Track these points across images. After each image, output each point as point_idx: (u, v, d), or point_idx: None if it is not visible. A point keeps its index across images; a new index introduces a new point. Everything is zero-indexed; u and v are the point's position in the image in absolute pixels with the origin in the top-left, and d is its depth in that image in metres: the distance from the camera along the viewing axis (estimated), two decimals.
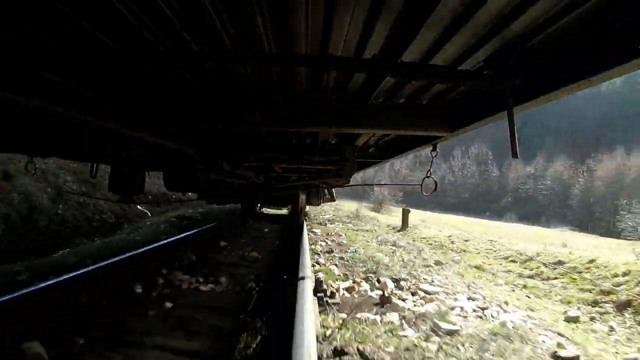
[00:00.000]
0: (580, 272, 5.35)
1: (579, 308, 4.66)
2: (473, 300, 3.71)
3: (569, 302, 4.87)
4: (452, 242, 8.81)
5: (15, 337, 1.91)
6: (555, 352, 2.59)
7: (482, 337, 2.51)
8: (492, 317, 3.22)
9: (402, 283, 3.75)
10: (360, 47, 1.73)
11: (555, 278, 5.43)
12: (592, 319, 4.35)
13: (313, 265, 3.92)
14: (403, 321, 2.63)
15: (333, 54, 1.79)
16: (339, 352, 1.94)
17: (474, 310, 3.30)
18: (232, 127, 2.75)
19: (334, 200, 10.02)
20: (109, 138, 2.69)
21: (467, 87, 2.13)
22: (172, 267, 3.64)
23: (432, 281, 4.21)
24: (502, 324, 2.94)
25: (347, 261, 4.59)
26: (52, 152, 2.74)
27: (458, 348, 2.31)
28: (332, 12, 1.42)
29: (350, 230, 8.31)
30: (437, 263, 6.24)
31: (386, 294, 3.17)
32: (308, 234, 5.46)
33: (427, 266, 5.55)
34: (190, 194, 5.56)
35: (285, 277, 3.47)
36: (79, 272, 3.04)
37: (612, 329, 4.13)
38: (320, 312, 2.52)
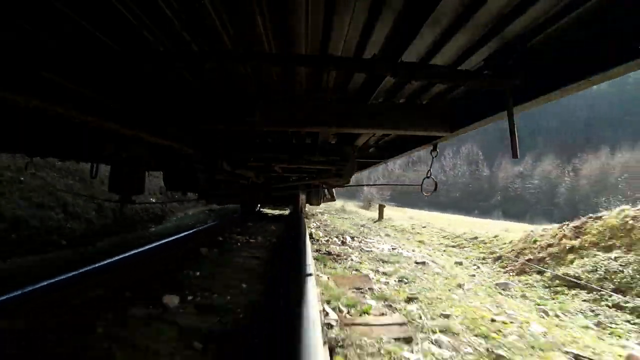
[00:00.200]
0: (485, 243, 7.83)
1: (466, 259, 6.93)
2: (393, 248, 6.08)
3: (466, 258, 7.08)
4: (413, 228, 11.07)
5: (164, 262, 3.42)
6: (416, 260, 4.94)
7: (384, 254, 5.03)
8: (397, 252, 5.52)
9: (355, 239, 6.51)
10: (360, 47, 1.73)
11: (467, 247, 7.98)
12: (471, 263, 6.66)
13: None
14: (350, 249, 5.20)
15: (333, 54, 1.79)
16: (319, 251, 4.76)
17: (389, 250, 5.73)
18: (232, 127, 2.75)
19: (334, 200, 10.06)
20: (109, 138, 2.69)
21: (467, 87, 2.14)
22: (230, 232, 5.96)
23: (374, 240, 6.76)
24: (399, 253, 5.38)
25: (328, 231, 7.32)
26: (52, 152, 2.74)
27: (370, 257, 4.68)
28: (332, 12, 1.42)
29: (335, 218, 10.96)
30: (386, 235, 8.85)
31: (345, 241, 6.01)
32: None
33: (377, 235, 8.24)
34: (190, 194, 5.56)
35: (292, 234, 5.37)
36: (177, 236, 4.81)
37: (478, 267, 6.26)
38: (312, 244, 5.10)
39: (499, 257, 6.45)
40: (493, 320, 2.66)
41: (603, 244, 4.77)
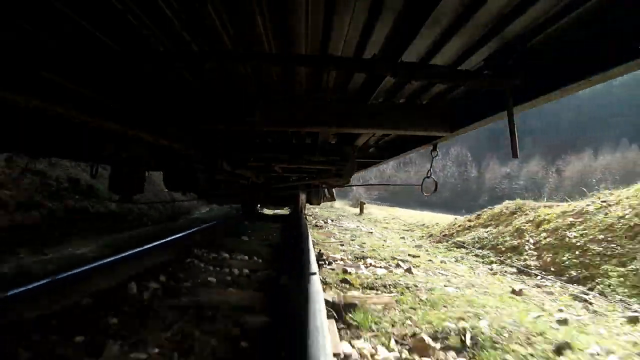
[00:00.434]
0: (428, 227, 9.96)
1: (410, 237, 8.80)
2: (357, 227, 8.31)
3: (410, 236, 9.01)
4: (384, 220, 13.15)
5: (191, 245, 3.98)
6: (367, 231, 7.44)
7: (349, 228, 7.58)
8: (358, 228, 7.93)
9: (334, 221, 9.17)
10: (360, 47, 1.73)
11: (415, 230, 10.10)
12: (410, 238, 8.57)
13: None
14: (329, 226, 7.87)
15: (333, 54, 1.79)
16: (309, 223, 7.10)
17: (354, 227, 8.04)
18: (232, 127, 2.75)
19: (334, 200, 10.13)
20: (109, 138, 2.69)
21: (467, 87, 2.14)
22: (251, 219, 7.63)
23: (346, 223, 9.13)
24: (358, 228, 7.84)
25: (316, 217, 9.92)
26: (52, 152, 2.74)
27: (340, 229, 7.15)
28: (332, 12, 1.42)
29: (323, 211, 13.55)
30: (358, 221, 10.88)
31: (326, 222, 8.57)
32: None
33: (351, 221, 10.42)
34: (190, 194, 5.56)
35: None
36: (216, 222, 6.44)
37: (413, 240, 8.09)
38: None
39: (430, 235, 8.88)
40: (387, 246, 5.35)
41: (485, 224, 7.51)
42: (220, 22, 1.47)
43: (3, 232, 3.98)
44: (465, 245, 6.73)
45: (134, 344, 1.59)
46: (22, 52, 1.42)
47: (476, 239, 6.79)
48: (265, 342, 1.67)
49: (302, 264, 2.55)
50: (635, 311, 3.20)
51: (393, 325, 1.93)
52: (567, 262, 4.47)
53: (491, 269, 5.09)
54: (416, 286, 2.75)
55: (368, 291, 2.57)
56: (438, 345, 1.71)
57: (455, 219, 9.25)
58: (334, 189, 9.05)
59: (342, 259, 3.76)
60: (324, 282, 2.65)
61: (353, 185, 8.10)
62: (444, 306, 2.29)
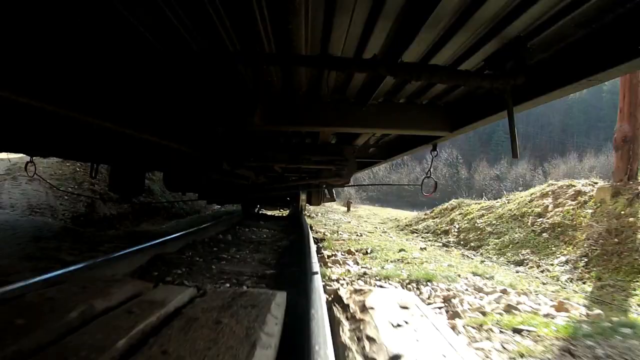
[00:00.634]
0: (398, 220, 11.05)
1: (382, 228, 9.49)
2: (339, 219, 9.91)
3: (382, 228, 9.76)
4: (367, 216, 14.40)
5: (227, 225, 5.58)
6: (346, 221, 9.33)
7: (334, 219, 9.57)
8: (340, 219, 9.87)
9: (323, 215, 10.80)
10: (360, 47, 1.73)
11: (388, 224, 11.08)
12: (381, 228, 9.27)
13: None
14: (318, 217, 9.73)
15: (333, 54, 1.79)
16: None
17: (337, 219, 9.79)
18: (232, 128, 2.75)
19: (334, 201, 10.20)
20: (109, 138, 2.69)
21: (467, 87, 2.14)
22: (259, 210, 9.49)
23: (332, 216, 10.68)
24: (340, 219, 9.87)
25: (309, 212, 10.46)
26: (52, 152, 2.74)
27: (327, 220, 9.09)
28: (332, 12, 1.42)
29: (315, 207, 14.24)
30: (344, 215, 12.34)
31: (317, 216, 10.28)
32: None
33: (338, 215, 12.07)
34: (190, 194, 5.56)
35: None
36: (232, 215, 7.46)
37: (385, 232, 8.33)
38: None
39: (397, 225, 10.29)
40: (356, 228, 7.09)
41: (434, 217, 9.27)
42: (220, 22, 1.47)
43: (116, 216, 6.04)
44: (417, 230, 8.80)
45: (237, 250, 3.50)
46: (22, 51, 1.42)
47: (425, 226, 8.81)
48: (287, 251, 3.69)
49: (303, 231, 4.49)
50: (478, 255, 5.82)
51: (341, 248, 4.04)
52: (471, 238, 6.83)
53: (424, 243, 6.83)
54: (359, 241, 4.80)
55: (334, 240, 4.65)
56: (357, 253, 3.74)
57: (417, 214, 11.19)
58: (334, 190, 9.05)
59: (323, 232, 5.77)
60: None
61: (353, 185, 9.14)
62: (368, 244, 4.31)
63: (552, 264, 4.76)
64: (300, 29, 1.46)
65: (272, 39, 1.62)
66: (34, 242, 3.07)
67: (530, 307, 2.13)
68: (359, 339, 1.22)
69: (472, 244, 6.45)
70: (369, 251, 3.83)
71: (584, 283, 4.05)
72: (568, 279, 4.23)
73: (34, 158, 3.15)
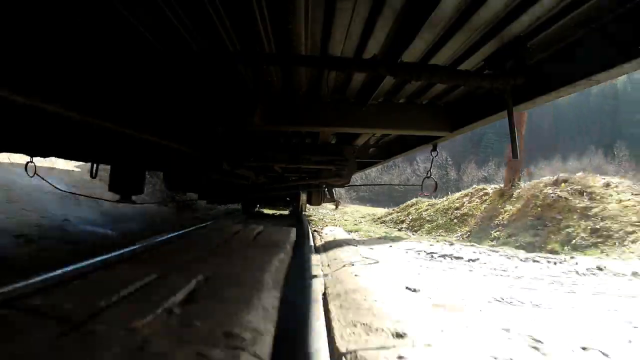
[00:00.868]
0: (375, 215, 12.53)
1: (358, 219, 11.39)
2: (327, 213, 12.18)
3: (358, 219, 11.52)
4: (351, 212, 15.58)
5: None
6: (331, 215, 11.63)
7: (322, 213, 11.97)
8: (328, 213, 12.09)
9: (313, 210, 11.56)
10: (360, 47, 1.73)
11: (367, 217, 12.50)
12: (358, 219, 11.27)
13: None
14: (309, 212, 10.56)
15: (333, 54, 1.79)
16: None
17: (325, 213, 12.34)
18: (232, 128, 2.75)
19: (334, 201, 10.09)
20: (109, 138, 2.69)
21: (467, 87, 2.14)
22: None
23: (322, 211, 12.50)
24: (327, 213, 12.09)
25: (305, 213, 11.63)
26: (52, 152, 2.74)
27: (316, 214, 11.32)
28: (332, 12, 1.42)
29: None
30: (331, 211, 13.34)
31: (308, 210, 9.97)
32: None
33: (326, 211, 13.17)
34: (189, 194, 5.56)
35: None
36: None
37: (360, 222, 10.38)
38: None
39: (373, 219, 11.86)
40: (337, 219, 10.08)
41: (399, 212, 11.40)
42: (220, 22, 1.47)
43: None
44: (384, 221, 10.86)
45: (261, 223, 4.94)
46: (22, 51, 1.42)
47: (390, 218, 10.99)
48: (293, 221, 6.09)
49: (301, 220, 6.47)
50: (416, 234, 8.34)
51: (321, 223, 7.84)
52: (416, 224, 9.60)
53: (385, 227, 9.63)
54: (335, 222, 8.00)
55: (319, 221, 8.19)
56: (329, 225, 7.22)
57: (388, 210, 13.42)
58: (334, 190, 9.05)
59: (312, 219, 7.96)
60: None
61: (353, 185, 9.71)
62: (339, 224, 7.66)
63: (451, 236, 7.84)
64: (300, 29, 1.46)
65: (272, 39, 1.62)
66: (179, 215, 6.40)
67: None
68: (321, 238, 4.58)
69: (415, 228, 9.47)
70: (337, 224, 6.89)
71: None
72: (454, 241, 6.51)
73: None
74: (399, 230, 9.15)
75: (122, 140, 2.71)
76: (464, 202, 9.38)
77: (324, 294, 1.93)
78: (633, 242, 5.56)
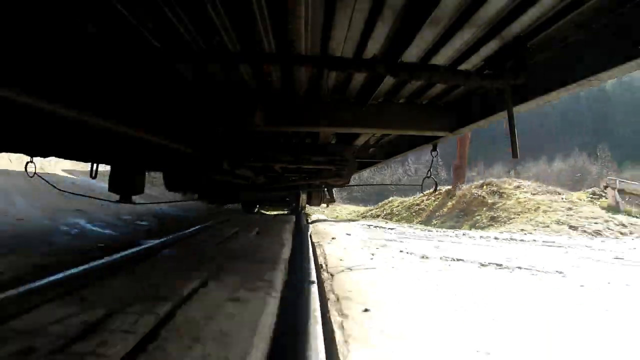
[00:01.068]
0: (360, 212, 15.06)
1: (344, 215, 13.71)
2: (317, 209, 10.08)
3: (345, 215, 13.46)
4: (339, 210, 17.11)
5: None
6: (321, 211, 10.47)
7: (315, 209, 10.26)
8: (319, 210, 10.20)
9: (307, 207, 9.61)
10: (360, 47, 1.73)
11: (352, 214, 14.44)
12: (339, 215, 13.56)
13: None
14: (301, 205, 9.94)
15: (333, 54, 1.79)
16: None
17: (316, 209, 9.95)
18: (232, 128, 2.75)
19: (334, 201, 10.12)
20: (109, 138, 2.69)
21: (467, 87, 2.14)
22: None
23: (313, 208, 10.51)
24: (319, 210, 10.28)
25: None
26: (52, 152, 2.74)
27: (308, 210, 10.03)
28: (332, 12, 1.42)
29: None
30: (321, 209, 14.64)
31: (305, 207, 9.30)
32: None
33: (317, 208, 12.89)
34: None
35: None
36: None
37: (341, 215, 13.51)
38: None
39: (356, 215, 13.71)
40: (326, 214, 10.33)
41: (377, 208, 13.93)
42: (220, 22, 1.47)
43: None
44: (365, 216, 12.97)
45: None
46: (22, 51, 1.42)
47: (370, 214, 13.25)
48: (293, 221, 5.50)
49: (300, 215, 6.90)
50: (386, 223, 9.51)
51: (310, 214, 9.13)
52: (388, 217, 12.13)
53: (363, 220, 10.90)
54: (326, 217, 8.69)
55: (311, 214, 8.87)
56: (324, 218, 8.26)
57: (369, 207, 15.58)
58: (334, 190, 9.05)
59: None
60: None
61: (353, 185, 9.78)
62: (326, 216, 9.03)
63: (408, 225, 9.56)
64: (300, 29, 1.46)
65: (272, 39, 1.62)
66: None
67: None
68: (309, 219, 7.21)
69: (387, 219, 11.71)
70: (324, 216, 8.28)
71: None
72: (408, 227, 8.28)
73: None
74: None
75: (122, 140, 2.71)
76: (423, 200, 12.56)
77: (310, 234, 4.38)
78: (510, 223, 8.76)
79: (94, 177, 3.03)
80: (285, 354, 1.21)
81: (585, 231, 7.63)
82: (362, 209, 17.83)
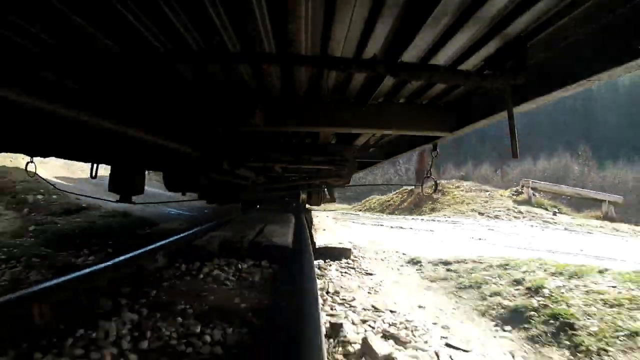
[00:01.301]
0: (348, 209, 15.44)
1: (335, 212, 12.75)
2: (310, 207, 9.25)
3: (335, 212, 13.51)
4: (330, 208, 19.77)
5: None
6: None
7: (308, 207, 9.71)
8: (312, 208, 8.57)
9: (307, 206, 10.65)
10: (360, 47, 1.73)
11: (339, 210, 14.30)
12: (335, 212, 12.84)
13: None
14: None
15: (333, 54, 1.79)
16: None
17: (309, 207, 9.01)
18: (232, 128, 2.75)
19: (334, 201, 10.11)
20: (109, 138, 2.68)
21: (467, 87, 2.14)
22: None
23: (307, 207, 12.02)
24: (312, 208, 8.42)
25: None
26: (52, 152, 2.74)
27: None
28: (332, 12, 1.42)
29: None
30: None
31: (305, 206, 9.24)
32: None
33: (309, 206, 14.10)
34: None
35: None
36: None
37: (332, 211, 11.70)
38: None
39: (343, 211, 13.53)
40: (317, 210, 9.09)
41: (362, 204, 16.42)
42: (220, 22, 1.47)
43: None
44: (350, 211, 13.43)
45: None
46: (22, 51, 1.42)
47: (354, 209, 14.99)
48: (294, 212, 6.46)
49: (299, 209, 7.02)
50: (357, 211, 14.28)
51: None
52: (368, 210, 14.70)
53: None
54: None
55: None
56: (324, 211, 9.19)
57: (355, 204, 17.32)
58: (334, 190, 9.05)
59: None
60: None
61: (353, 185, 9.87)
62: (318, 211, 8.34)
63: (376, 214, 11.92)
64: (300, 28, 1.46)
65: (272, 38, 1.62)
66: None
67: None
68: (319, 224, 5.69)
69: (372, 210, 14.25)
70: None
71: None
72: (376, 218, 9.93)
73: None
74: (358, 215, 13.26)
75: (122, 140, 2.71)
76: (393, 197, 14.88)
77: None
78: (441, 212, 11.67)
79: (94, 177, 3.03)
80: (297, 236, 3.89)
81: (488, 216, 10.26)
82: (349, 207, 19.63)
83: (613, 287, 2.48)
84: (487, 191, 13.12)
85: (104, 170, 3.46)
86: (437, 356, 1.57)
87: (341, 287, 2.43)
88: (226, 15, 1.42)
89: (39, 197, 5.59)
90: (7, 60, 1.38)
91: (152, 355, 1.43)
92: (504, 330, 2.22)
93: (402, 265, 3.66)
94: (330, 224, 5.45)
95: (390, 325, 1.83)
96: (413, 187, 14.52)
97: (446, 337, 1.85)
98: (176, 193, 4.51)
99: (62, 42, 1.54)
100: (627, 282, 2.50)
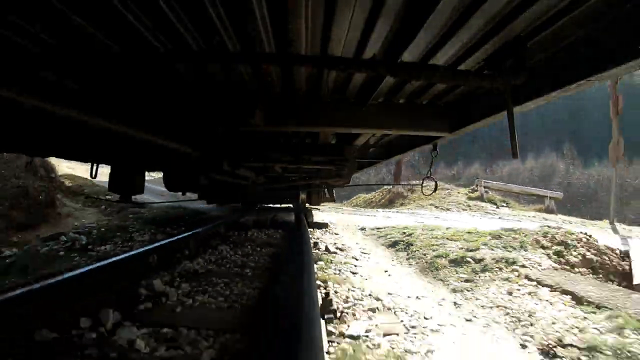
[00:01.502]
0: (336, 206, 15.22)
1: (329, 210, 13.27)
2: (318, 210, 10.49)
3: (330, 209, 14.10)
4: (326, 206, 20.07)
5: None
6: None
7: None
8: (308, 206, 9.50)
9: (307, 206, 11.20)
10: (360, 47, 1.73)
11: (331, 207, 15.00)
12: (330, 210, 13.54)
13: None
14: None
15: (333, 54, 1.79)
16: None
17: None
18: (232, 128, 2.75)
19: (334, 201, 10.14)
20: (109, 138, 2.68)
21: (467, 87, 2.14)
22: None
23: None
24: (308, 206, 9.46)
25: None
26: (52, 152, 2.73)
27: None
28: (332, 12, 1.42)
29: None
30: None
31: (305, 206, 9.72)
32: None
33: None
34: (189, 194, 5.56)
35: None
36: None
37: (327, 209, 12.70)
38: None
39: (336, 209, 14.12)
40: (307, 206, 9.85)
41: (349, 203, 17.48)
42: (220, 22, 1.47)
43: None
44: (341, 209, 13.67)
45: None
46: (22, 51, 1.42)
47: (344, 207, 14.80)
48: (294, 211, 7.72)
49: (299, 208, 7.69)
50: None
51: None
52: (355, 205, 16.16)
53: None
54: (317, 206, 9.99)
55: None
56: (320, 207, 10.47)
57: (344, 202, 18.25)
58: (334, 190, 9.05)
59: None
60: None
61: (353, 185, 10.35)
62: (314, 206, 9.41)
63: (358, 209, 12.77)
64: (300, 28, 1.46)
65: (272, 38, 1.62)
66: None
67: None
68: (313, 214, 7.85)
69: (351, 208, 14.03)
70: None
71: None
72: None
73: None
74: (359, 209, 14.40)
75: (122, 140, 2.71)
76: (375, 195, 16.43)
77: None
78: (407, 205, 13.59)
79: (94, 177, 3.03)
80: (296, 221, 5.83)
81: (442, 208, 12.08)
82: (339, 204, 21.12)
83: (443, 234, 5.13)
84: (448, 189, 14.95)
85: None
86: (356, 257, 4.04)
87: (320, 239, 4.80)
88: (226, 15, 1.42)
89: (108, 196, 6.49)
90: (7, 60, 1.38)
91: (242, 255, 3.37)
92: (387, 248, 5.01)
93: (355, 231, 6.36)
94: (320, 214, 8.47)
95: (339, 245, 4.46)
96: (410, 186, 15.38)
97: (363, 249, 4.62)
98: (176, 193, 4.71)
99: (62, 42, 1.54)
100: (450, 234, 5.10)
